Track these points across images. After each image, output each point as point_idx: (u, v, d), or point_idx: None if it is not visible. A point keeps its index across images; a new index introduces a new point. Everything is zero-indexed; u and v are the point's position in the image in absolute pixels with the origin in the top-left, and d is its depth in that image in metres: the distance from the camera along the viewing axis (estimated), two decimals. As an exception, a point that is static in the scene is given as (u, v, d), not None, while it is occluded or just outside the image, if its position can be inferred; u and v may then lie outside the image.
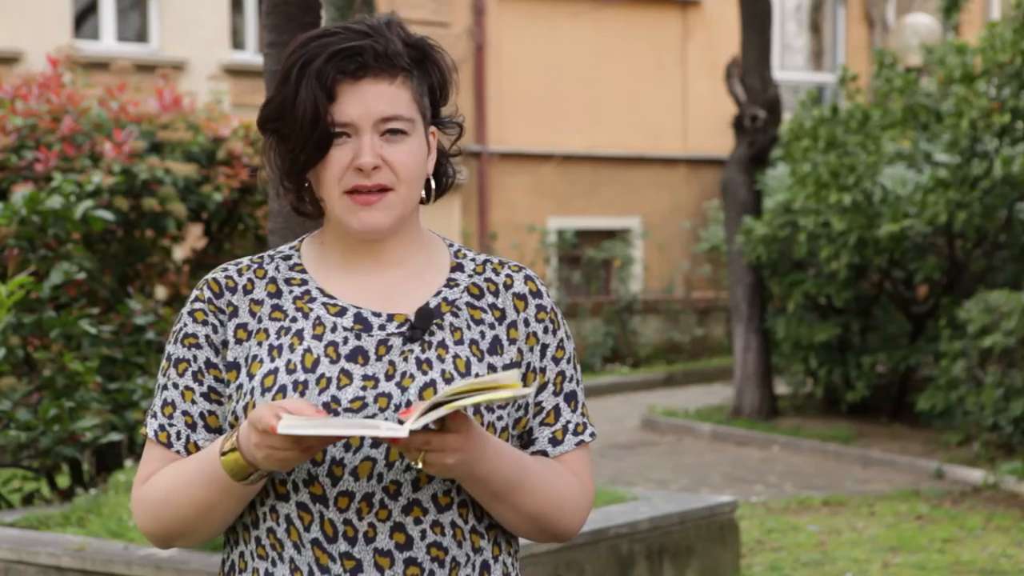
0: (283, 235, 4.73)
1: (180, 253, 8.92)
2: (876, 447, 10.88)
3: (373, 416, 1.92)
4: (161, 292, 8.33)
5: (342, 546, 1.94)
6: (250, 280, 2.04)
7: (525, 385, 2.01)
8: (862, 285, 12.01)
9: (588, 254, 16.20)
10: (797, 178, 11.38)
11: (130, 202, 7.50)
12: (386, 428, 1.77)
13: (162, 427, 2.01)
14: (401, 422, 1.81)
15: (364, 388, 1.94)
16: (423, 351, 1.98)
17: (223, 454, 1.89)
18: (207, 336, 2.01)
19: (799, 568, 7.29)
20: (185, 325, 2.03)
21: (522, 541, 2.10)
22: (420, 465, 1.83)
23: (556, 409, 2.04)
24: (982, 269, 11.40)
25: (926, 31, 15.26)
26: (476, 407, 1.95)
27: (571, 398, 2.06)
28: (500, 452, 1.91)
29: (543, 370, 2.04)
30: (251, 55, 14.55)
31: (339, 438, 1.83)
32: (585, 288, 16.34)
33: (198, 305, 2.03)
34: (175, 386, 2.02)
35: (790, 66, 17.93)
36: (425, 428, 1.80)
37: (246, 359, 1.99)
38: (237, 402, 1.98)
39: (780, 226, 11.66)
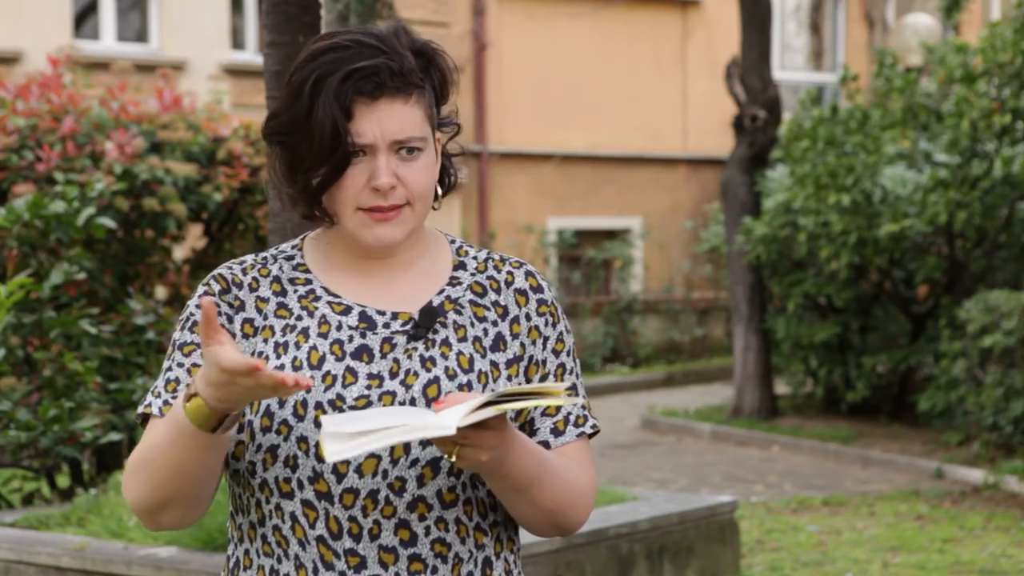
0: (283, 235, 4.74)
1: (180, 253, 8.92)
2: (876, 447, 10.88)
3: None
4: (161, 292, 8.33)
5: (347, 543, 1.94)
6: (255, 279, 2.05)
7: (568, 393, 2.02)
8: (862, 285, 12.01)
9: (588, 254, 16.20)
10: (796, 178, 11.39)
11: (130, 202, 7.50)
12: (434, 428, 1.77)
13: (167, 403, 1.99)
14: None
15: (369, 387, 1.96)
16: (427, 349, 1.99)
17: (186, 405, 1.85)
18: (220, 325, 2.00)
19: (799, 568, 7.29)
20: (193, 315, 2.02)
21: (523, 540, 2.11)
22: (453, 459, 1.83)
23: None
24: (982, 269, 11.40)
25: (926, 31, 15.25)
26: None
27: (572, 390, 2.07)
28: (525, 449, 1.92)
29: (543, 362, 2.05)
30: (251, 55, 14.55)
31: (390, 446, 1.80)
32: (585, 288, 16.34)
33: (207, 299, 2.01)
34: (180, 365, 2.00)
35: (790, 66, 17.93)
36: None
37: (252, 355, 2.00)
38: None
39: (780, 226, 11.66)
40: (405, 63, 1.96)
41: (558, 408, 2.04)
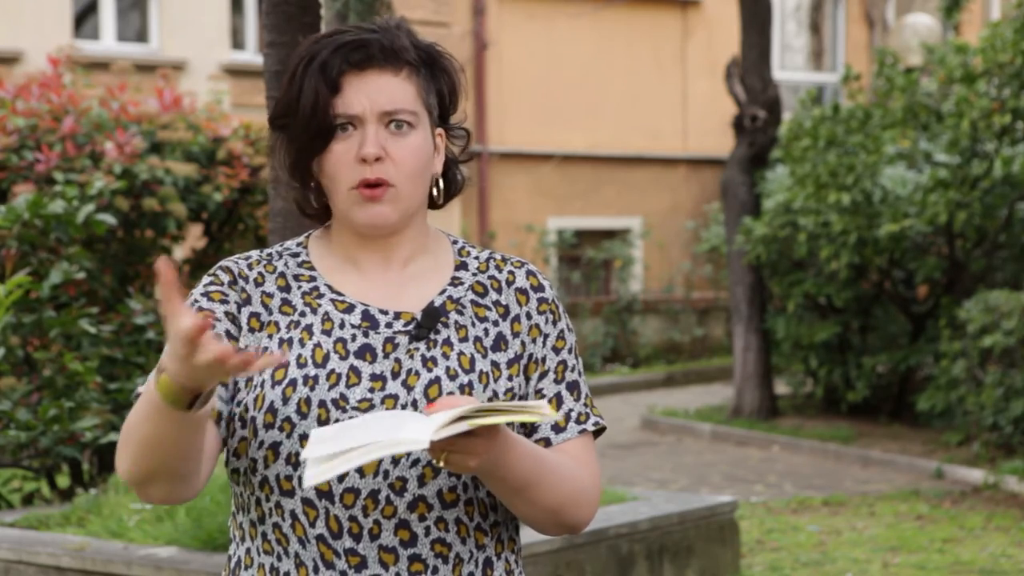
0: (283, 235, 4.73)
1: (180, 253, 8.92)
2: (876, 447, 10.88)
3: None
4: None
5: (347, 542, 1.95)
6: (260, 274, 2.05)
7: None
8: (862, 285, 12.01)
9: (588, 254, 16.20)
10: (797, 178, 11.39)
11: (130, 202, 7.50)
12: (407, 443, 1.76)
13: None
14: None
15: (372, 390, 1.96)
16: (428, 349, 2.00)
17: (157, 380, 1.80)
18: (227, 312, 2.01)
19: (799, 568, 7.29)
20: (197, 301, 2.01)
21: (523, 540, 2.11)
22: (442, 464, 1.83)
23: (558, 396, 2.05)
24: (982, 269, 11.40)
25: (926, 31, 15.25)
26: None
27: (573, 387, 2.07)
28: (521, 452, 1.91)
29: (543, 359, 2.05)
30: (251, 55, 14.55)
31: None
32: (585, 288, 16.34)
33: (214, 288, 2.02)
34: None
35: (790, 66, 17.93)
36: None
37: (256, 351, 1.98)
38: (248, 393, 1.98)
39: (780, 226, 11.66)
40: (397, 41, 1.99)
41: (559, 404, 2.04)
